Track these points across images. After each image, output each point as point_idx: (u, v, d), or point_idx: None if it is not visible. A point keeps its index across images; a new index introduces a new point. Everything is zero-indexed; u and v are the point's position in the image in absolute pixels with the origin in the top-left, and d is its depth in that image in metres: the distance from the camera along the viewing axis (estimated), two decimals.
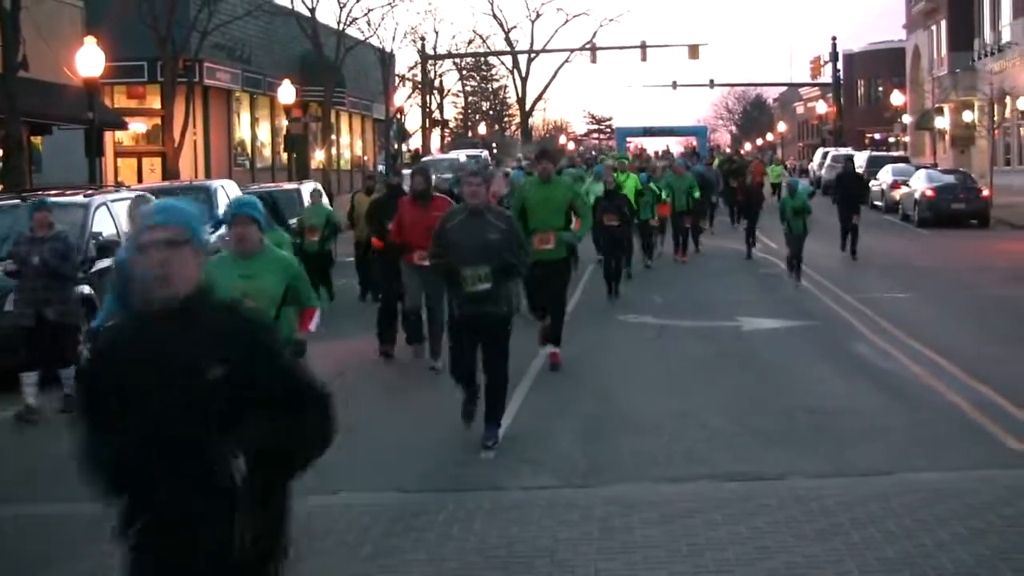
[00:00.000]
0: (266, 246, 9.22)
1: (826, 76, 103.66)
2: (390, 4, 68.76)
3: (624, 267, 24.89)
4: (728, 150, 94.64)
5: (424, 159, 58.67)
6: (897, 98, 78.88)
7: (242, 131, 57.42)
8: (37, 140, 37.76)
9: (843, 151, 69.09)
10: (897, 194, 46.39)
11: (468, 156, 57.57)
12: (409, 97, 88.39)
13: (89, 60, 30.95)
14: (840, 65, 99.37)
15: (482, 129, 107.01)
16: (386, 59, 72.94)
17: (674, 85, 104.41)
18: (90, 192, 20.62)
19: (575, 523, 9.47)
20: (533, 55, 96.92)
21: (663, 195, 30.47)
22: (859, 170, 40.59)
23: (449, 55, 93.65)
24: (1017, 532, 8.92)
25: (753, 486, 10.48)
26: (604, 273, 23.90)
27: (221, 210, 24.78)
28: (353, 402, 12.58)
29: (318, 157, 61.86)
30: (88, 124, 31.54)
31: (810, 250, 31.01)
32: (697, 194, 31.91)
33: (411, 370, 16.83)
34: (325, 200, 28.48)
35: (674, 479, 10.85)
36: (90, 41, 31.56)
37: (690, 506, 9.76)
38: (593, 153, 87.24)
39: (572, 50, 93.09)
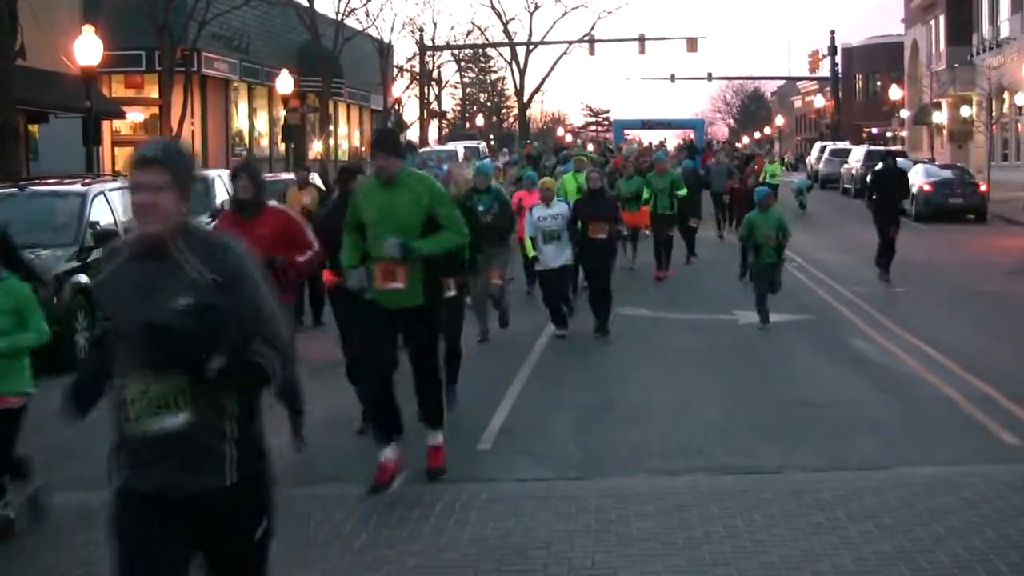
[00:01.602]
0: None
1: (824, 70, 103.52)
2: None
3: (604, 307, 18.75)
4: (719, 143, 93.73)
5: (423, 150, 58.57)
6: (895, 92, 78.95)
7: (240, 121, 57.39)
8: (34, 128, 37.76)
9: (841, 145, 69.17)
10: None
11: (466, 148, 57.45)
12: (407, 88, 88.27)
13: (87, 49, 30.92)
14: (838, 59, 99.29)
15: (480, 121, 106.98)
16: (384, 50, 72.86)
17: (672, 78, 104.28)
18: (87, 181, 20.60)
19: (571, 515, 9.47)
20: (531, 47, 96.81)
21: (644, 196, 26.13)
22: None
23: (447, 46, 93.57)
24: (1012, 526, 8.94)
25: (749, 479, 10.50)
26: (589, 298, 19.06)
27: (219, 200, 24.79)
28: (349, 392, 12.58)
29: (316, 148, 61.81)
30: (85, 113, 31.51)
31: (801, 242, 31.02)
32: (683, 192, 27.17)
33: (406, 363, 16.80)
34: (318, 179, 26.40)
35: (670, 472, 10.86)
36: (88, 30, 31.54)
37: (686, 499, 9.77)
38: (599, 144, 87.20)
39: (570, 42, 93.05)
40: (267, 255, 9.89)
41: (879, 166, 27.49)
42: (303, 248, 11.17)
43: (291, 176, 26.91)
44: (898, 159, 27.84)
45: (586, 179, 19.83)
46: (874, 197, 26.19)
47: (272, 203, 11.66)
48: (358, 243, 10.47)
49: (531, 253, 18.64)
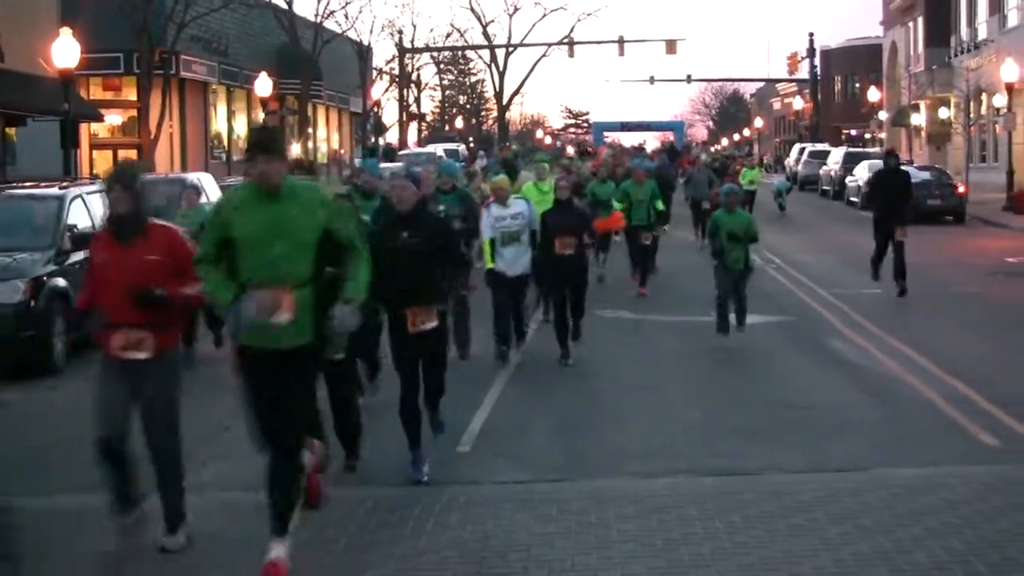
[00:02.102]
0: None
1: (803, 72, 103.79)
2: None
3: (577, 317, 16.96)
4: (698, 144, 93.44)
5: (402, 152, 58.57)
6: (874, 94, 79.15)
7: (219, 124, 57.34)
8: (12, 131, 37.64)
9: (820, 147, 69.32)
10: None
11: (445, 150, 57.47)
12: (386, 90, 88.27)
13: (65, 51, 30.81)
14: (817, 61, 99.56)
15: (459, 123, 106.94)
16: (363, 52, 72.84)
17: (651, 80, 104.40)
18: (65, 184, 20.53)
19: (551, 517, 9.46)
20: (511, 49, 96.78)
21: (617, 206, 24.11)
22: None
23: (427, 48, 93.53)
24: (991, 527, 8.95)
25: (729, 481, 10.50)
26: (555, 323, 16.83)
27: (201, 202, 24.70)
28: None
29: (295, 150, 61.74)
30: (63, 116, 31.40)
31: (781, 244, 31.09)
32: (660, 205, 25.21)
33: (384, 365, 16.77)
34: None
35: (650, 474, 10.85)
36: (66, 32, 31.42)
37: (666, 501, 9.77)
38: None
39: (550, 44, 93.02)
40: (149, 286, 8.76)
41: (880, 167, 25.55)
42: (190, 277, 8.73)
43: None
44: (898, 157, 24.80)
45: (554, 188, 17.47)
46: (875, 200, 23.71)
47: (155, 220, 9.31)
48: (223, 271, 8.33)
49: (489, 264, 16.21)
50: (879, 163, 51.06)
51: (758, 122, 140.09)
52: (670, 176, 32.46)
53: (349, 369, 11.31)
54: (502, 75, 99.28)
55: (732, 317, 17.87)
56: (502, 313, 16.39)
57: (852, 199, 50.32)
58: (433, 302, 10.74)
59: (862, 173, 49.58)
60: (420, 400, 10.93)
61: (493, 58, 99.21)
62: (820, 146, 70.32)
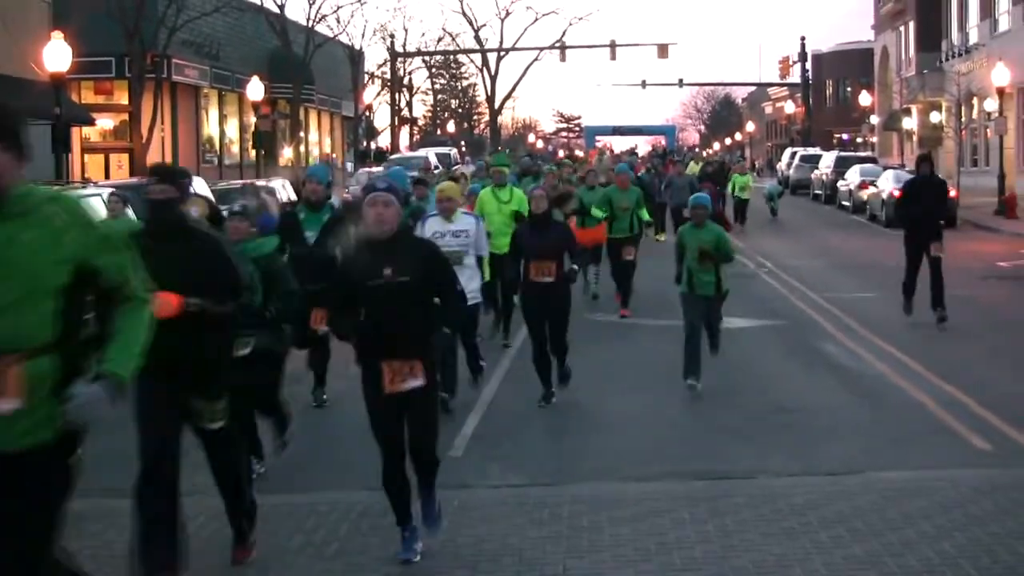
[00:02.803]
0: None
1: (795, 76, 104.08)
2: (359, 1, 69.04)
3: (560, 354, 14.24)
4: (688, 149, 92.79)
5: (393, 156, 58.56)
6: (865, 99, 79.34)
7: (210, 128, 57.31)
8: None
9: (811, 151, 69.41)
10: (865, 194, 46.55)
11: (437, 154, 57.49)
12: (378, 95, 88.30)
13: (56, 55, 30.82)
14: (809, 65, 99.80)
15: (451, 127, 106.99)
16: (355, 56, 72.88)
17: (643, 84, 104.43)
18: (57, 188, 20.50)
19: (543, 521, 9.46)
20: (502, 53, 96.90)
21: (598, 214, 21.78)
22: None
23: (418, 53, 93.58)
24: (982, 530, 8.96)
25: (721, 484, 10.51)
26: (534, 358, 14.18)
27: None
28: (331, 407, 12.55)
29: (286, 154, 61.76)
30: (55, 119, 31.39)
31: (772, 248, 31.08)
32: (646, 215, 22.80)
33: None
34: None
35: (642, 477, 10.86)
36: (57, 36, 31.44)
37: (658, 504, 9.77)
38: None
39: (541, 48, 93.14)
40: None
41: (914, 173, 22.51)
42: None
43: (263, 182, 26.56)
44: (932, 162, 21.26)
45: (529, 199, 14.53)
46: (907, 213, 20.30)
47: None
48: None
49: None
50: (870, 167, 51.77)
51: (749, 126, 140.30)
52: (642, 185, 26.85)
53: (234, 434, 8.52)
54: (494, 79, 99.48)
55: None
56: (449, 353, 12.80)
57: (844, 203, 50.45)
58: (419, 355, 8.41)
59: (854, 177, 49.71)
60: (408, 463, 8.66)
61: (485, 62, 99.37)
62: (812, 150, 70.44)
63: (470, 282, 12.65)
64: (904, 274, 20.03)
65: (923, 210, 19.87)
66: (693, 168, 47.32)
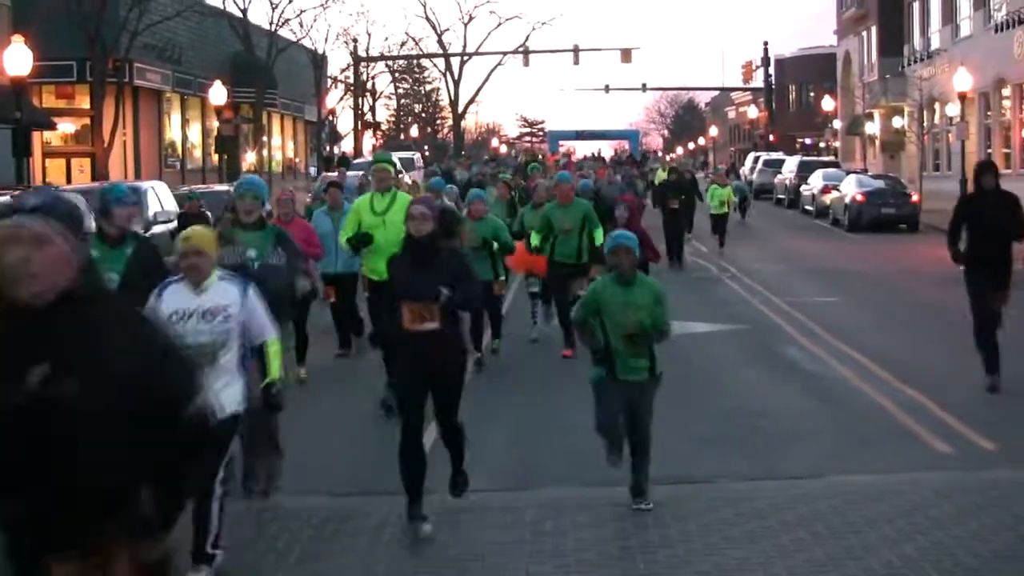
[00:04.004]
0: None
1: (758, 81, 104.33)
2: (322, 5, 68.93)
3: (452, 440, 10.19)
4: (653, 154, 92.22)
5: (358, 161, 58.42)
6: (828, 103, 79.67)
7: (173, 132, 57.07)
8: None
9: (774, 155, 69.65)
10: (827, 199, 46.75)
11: (401, 158, 57.39)
12: (341, 99, 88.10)
13: (16, 59, 30.65)
14: (772, 70, 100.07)
15: (415, 132, 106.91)
16: (318, 61, 72.70)
17: (607, 89, 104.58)
18: (18, 193, 20.39)
19: (506, 526, 9.45)
20: (466, 58, 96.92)
21: (534, 240, 17.55)
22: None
23: (382, 57, 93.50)
24: (943, 533, 9.00)
25: (683, 489, 10.53)
26: (400, 452, 9.63)
27: (151, 212, 24.62)
28: (296, 408, 12.47)
29: (249, 159, 61.56)
30: (15, 124, 31.23)
31: (735, 253, 31.12)
32: (598, 233, 17.06)
33: (341, 373, 16.74)
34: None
35: (605, 482, 10.84)
36: (17, 40, 31.27)
37: (621, 509, 9.77)
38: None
39: (505, 53, 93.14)
40: None
41: (971, 186, 16.34)
42: None
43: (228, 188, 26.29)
44: (995, 171, 15.35)
45: (407, 218, 9.89)
46: (967, 239, 15.16)
47: None
48: None
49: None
50: (833, 171, 51.97)
51: (713, 131, 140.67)
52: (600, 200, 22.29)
53: None
54: (457, 84, 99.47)
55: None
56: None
57: (807, 207, 50.65)
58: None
59: (816, 182, 49.92)
60: None
61: (448, 67, 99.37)
62: (775, 155, 70.66)
63: (226, 389, 7.99)
64: (973, 321, 14.87)
65: (985, 237, 14.64)
66: (661, 176, 41.11)
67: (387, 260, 10.53)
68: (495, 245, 16.60)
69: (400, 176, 43.32)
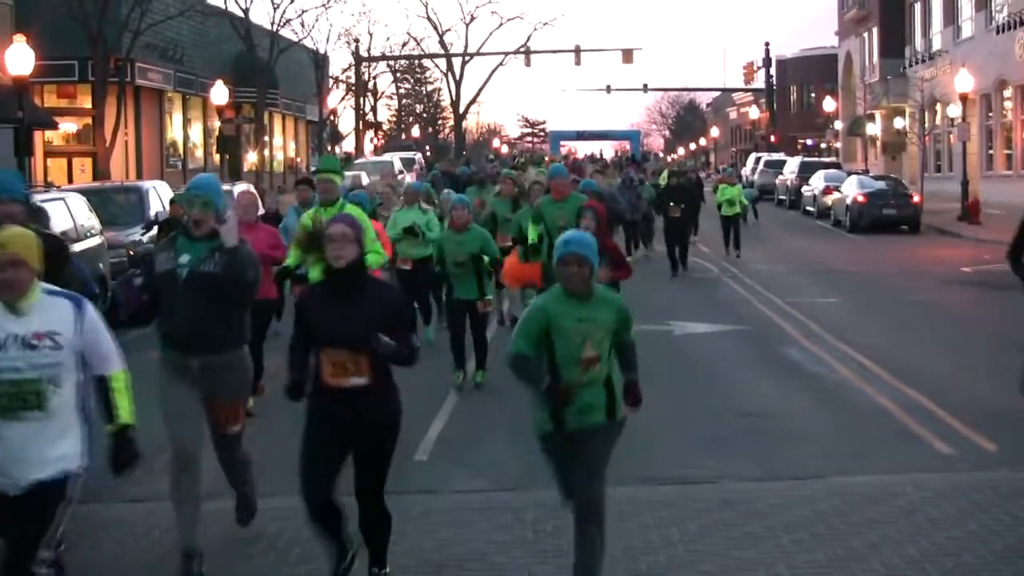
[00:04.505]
0: None
1: (759, 82, 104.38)
2: (324, 6, 68.84)
3: (375, 535, 8.30)
4: (654, 155, 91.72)
5: (359, 161, 58.42)
6: (829, 104, 79.62)
7: (174, 132, 57.07)
8: None
9: (775, 156, 69.63)
10: (829, 199, 46.72)
11: (402, 158, 57.39)
12: (343, 99, 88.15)
13: (18, 58, 30.63)
14: (773, 71, 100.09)
15: (416, 132, 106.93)
16: (320, 61, 72.71)
17: (608, 89, 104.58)
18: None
19: (508, 526, 9.46)
20: (467, 58, 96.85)
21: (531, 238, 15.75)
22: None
23: (383, 57, 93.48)
24: (945, 535, 9.00)
25: (685, 489, 10.53)
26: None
27: (152, 212, 24.61)
28: (285, 405, 12.47)
29: (251, 159, 61.57)
30: (17, 123, 31.21)
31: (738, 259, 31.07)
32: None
33: None
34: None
35: (607, 482, 10.84)
36: (19, 39, 31.25)
37: (623, 509, 9.76)
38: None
39: (506, 53, 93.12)
40: None
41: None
42: None
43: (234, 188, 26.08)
44: None
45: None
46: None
47: None
48: None
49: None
50: (834, 172, 51.91)
51: (714, 131, 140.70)
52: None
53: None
54: (458, 84, 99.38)
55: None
56: None
57: (808, 208, 50.63)
58: None
59: (818, 183, 49.92)
60: None
61: (450, 67, 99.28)
62: (776, 156, 70.64)
63: (58, 442, 6.53)
64: None
65: None
66: (664, 178, 37.56)
67: (299, 294, 8.69)
68: (485, 259, 15.00)
69: (401, 176, 43.43)
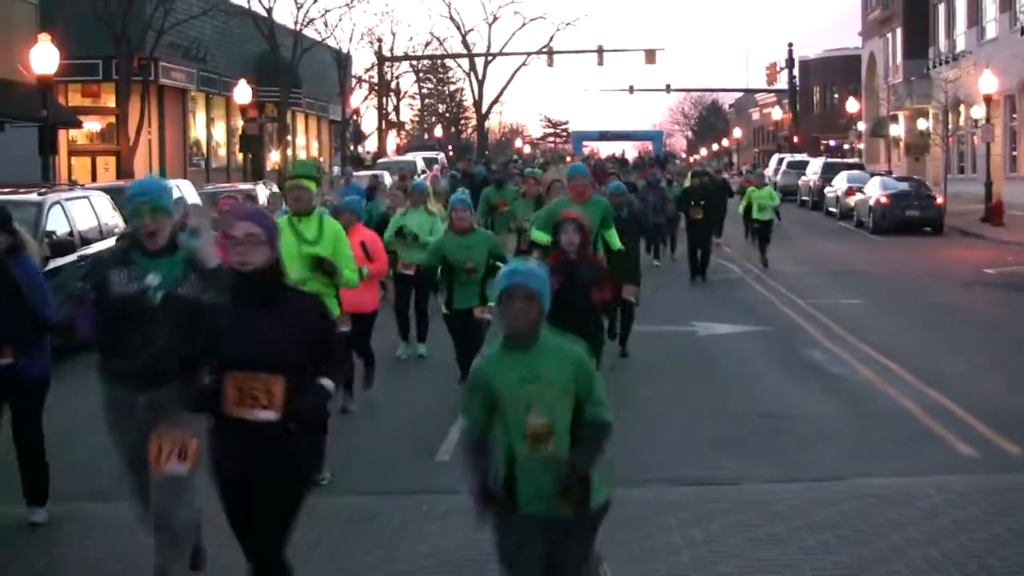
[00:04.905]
0: None
1: (782, 82, 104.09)
2: (347, 5, 68.85)
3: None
4: (676, 158, 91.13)
5: (381, 160, 58.48)
6: (852, 105, 79.43)
7: (197, 131, 57.21)
8: None
9: (798, 157, 69.50)
10: (852, 201, 46.62)
11: (424, 159, 57.42)
12: (365, 99, 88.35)
13: (43, 57, 30.74)
14: (796, 71, 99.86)
15: (438, 132, 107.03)
16: (343, 60, 72.79)
17: (631, 89, 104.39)
18: (44, 190, 20.46)
19: None
20: (490, 58, 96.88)
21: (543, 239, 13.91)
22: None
23: (406, 57, 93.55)
24: (969, 536, 8.97)
25: (707, 490, 10.51)
26: None
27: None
28: None
29: (273, 158, 61.68)
30: (42, 122, 31.33)
31: (758, 254, 31.03)
32: (612, 237, 14.69)
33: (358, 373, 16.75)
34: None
35: (628, 483, 10.82)
36: (44, 38, 31.35)
37: (645, 510, 9.76)
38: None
39: (529, 53, 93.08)
40: None
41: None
42: None
43: (248, 186, 26.10)
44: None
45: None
46: None
47: None
48: None
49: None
50: (857, 173, 51.76)
51: (737, 132, 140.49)
52: (633, 209, 18.82)
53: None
54: (481, 84, 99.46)
55: None
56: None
57: (831, 209, 50.52)
58: None
59: (841, 184, 49.82)
60: None
61: (472, 67, 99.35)
62: (799, 157, 70.51)
63: None
64: None
65: None
66: (689, 181, 33.46)
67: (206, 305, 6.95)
68: (499, 265, 13.18)
69: (424, 176, 43.19)
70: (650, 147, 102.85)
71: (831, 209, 50.61)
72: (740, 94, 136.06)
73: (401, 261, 16.69)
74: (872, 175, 49.61)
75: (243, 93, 49.53)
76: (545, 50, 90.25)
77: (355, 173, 39.74)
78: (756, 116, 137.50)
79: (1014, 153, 53.27)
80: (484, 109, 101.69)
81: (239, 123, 53.80)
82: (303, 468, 6.64)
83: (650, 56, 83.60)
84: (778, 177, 66.25)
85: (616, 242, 14.69)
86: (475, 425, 6.15)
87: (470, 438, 6.21)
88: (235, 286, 6.47)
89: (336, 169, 67.81)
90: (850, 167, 56.57)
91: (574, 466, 5.95)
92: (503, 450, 6.09)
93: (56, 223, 18.63)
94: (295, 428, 6.37)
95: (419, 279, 16.54)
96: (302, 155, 71.54)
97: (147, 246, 7.56)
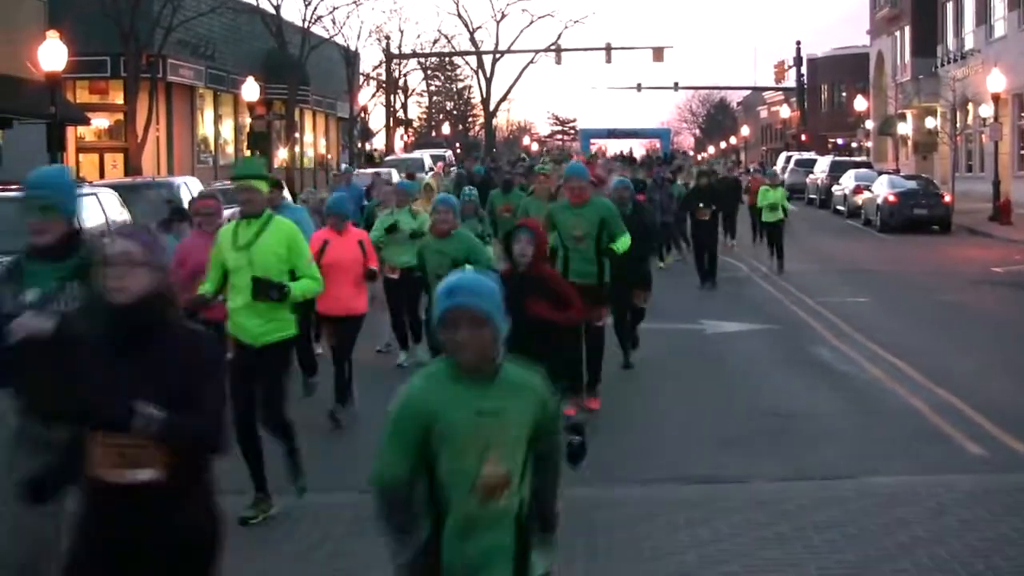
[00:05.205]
0: None
1: (790, 80, 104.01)
2: (355, 2, 68.67)
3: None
4: (682, 153, 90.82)
5: (389, 158, 58.47)
6: (860, 103, 79.28)
7: (205, 128, 57.21)
8: None
9: (806, 155, 69.44)
10: (859, 199, 46.56)
11: (432, 156, 57.39)
12: (373, 96, 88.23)
13: (51, 54, 30.74)
14: (804, 70, 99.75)
15: (446, 129, 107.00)
16: (351, 58, 72.80)
17: (638, 87, 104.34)
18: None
19: None
20: (498, 56, 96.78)
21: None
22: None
23: (414, 54, 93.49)
24: (976, 536, 8.96)
25: (714, 489, 10.50)
26: None
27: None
28: (313, 402, 12.54)
29: (281, 155, 61.69)
30: (50, 119, 31.33)
31: (766, 252, 31.03)
32: (622, 242, 13.30)
33: (371, 370, 16.74)
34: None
35: (636, 481, 10.85)
36: (52, 35, 31.35)
37: (652, 508, 9.76)
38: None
39: (537, 51, 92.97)
40: None
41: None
42: None
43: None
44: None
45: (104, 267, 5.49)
46: None
47: None
48: None
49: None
50: (865, 171, 51.68)
51: (744, 130, 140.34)
52: (639, 208, 16.77)
53: None
54: (489, 81, 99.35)
55: None
56: None
57: (838, 208, 50.48)
58: None
59: (848, 182, 49.77)
60: None
61: (480, 64, 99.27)
62: (806, 155, 70.43)
63: None
64: None
65: None
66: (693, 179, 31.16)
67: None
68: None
69: (431, 174, 43.08)
70: (658, 145, 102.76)
71: (839, 207, 50.56)
72: (748, 92, 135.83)
73: (387, 265, 15.83)
74: (880, 173, 49.57)
75: (251, 90, 49.53)
76: (553, 48, 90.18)
77: (357, 171, 39.43)
78: (764, 114, 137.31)
79: (1022, 152, 53.19)
80: (492, 107, 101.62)
81: (247, 120, 53.86)
82: (193, 534, 5.15)
83: (658, 54, 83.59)
84: (786, 175, 66.26)
85: (625, 246, 13.34)
86: (398, 475, 4.87)
87: (391, 492, 4.87)
88: (107, 320, 5.12)
89: (344, 166, 67.89)
90: (858, 165, 56.50)
91: (547, 516, 5.11)
92: (426, 505, 4.88)
93: None
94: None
95: (407, 282, 15.78)
96: (310, 152, 71.58)
97: (36, 242, 6.73)
